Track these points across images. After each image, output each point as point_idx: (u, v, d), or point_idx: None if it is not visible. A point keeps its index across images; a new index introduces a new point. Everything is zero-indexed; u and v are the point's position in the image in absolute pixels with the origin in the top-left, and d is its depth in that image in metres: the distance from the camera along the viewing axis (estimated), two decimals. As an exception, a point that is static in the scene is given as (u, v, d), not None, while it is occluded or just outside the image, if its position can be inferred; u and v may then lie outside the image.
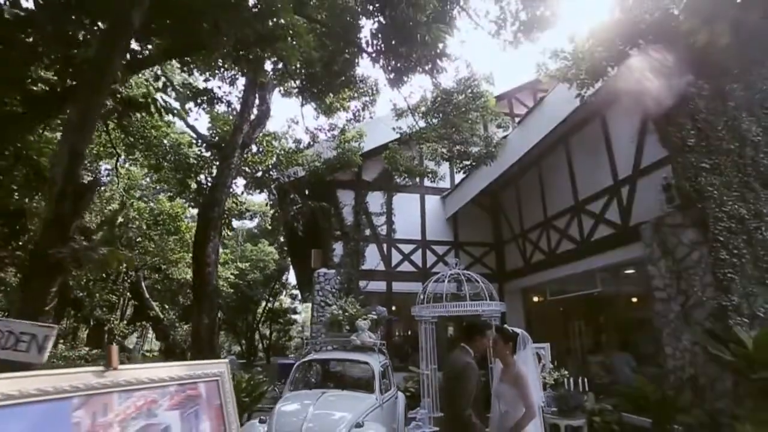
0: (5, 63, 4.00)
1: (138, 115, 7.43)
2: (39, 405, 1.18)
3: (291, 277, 26.62)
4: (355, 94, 7.65)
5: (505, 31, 5.20)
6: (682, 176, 5.81)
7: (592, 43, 5.01)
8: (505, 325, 3.38)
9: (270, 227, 19.23)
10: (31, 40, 4.16)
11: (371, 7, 7.03)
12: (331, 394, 4.79)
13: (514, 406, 2.91)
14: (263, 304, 24.48)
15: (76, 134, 3.19)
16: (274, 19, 4.09)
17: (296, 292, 28.11)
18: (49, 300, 2.91)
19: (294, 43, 4.38)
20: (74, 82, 4.38)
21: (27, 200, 5.60)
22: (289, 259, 21.81)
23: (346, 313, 7.68)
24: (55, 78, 4.52)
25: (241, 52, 4.70)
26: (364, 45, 7.40)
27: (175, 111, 6.16)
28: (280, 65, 7.06)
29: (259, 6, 4.05)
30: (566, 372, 6.63)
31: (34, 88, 4.41)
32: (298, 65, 4.78)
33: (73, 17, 4.08)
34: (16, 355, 1.69)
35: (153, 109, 5.39)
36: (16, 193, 5.41)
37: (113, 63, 3.53)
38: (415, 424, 7.59)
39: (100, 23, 4.24)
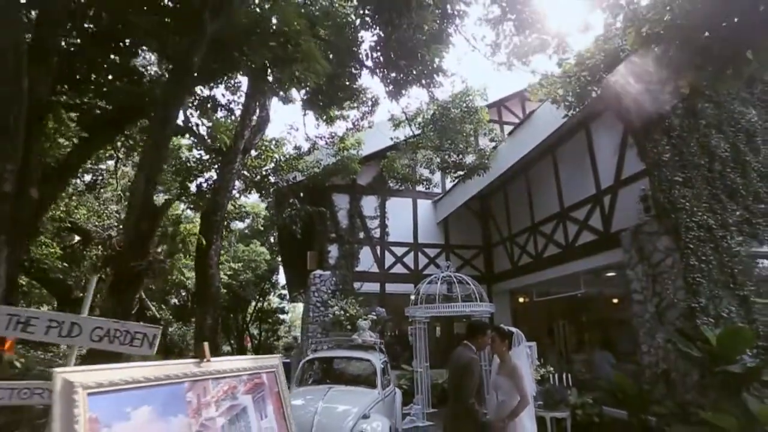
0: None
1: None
2: (163, 387, 1.54)
3: (280, 278, 26.74)
4: (355, 105, 8.01)
5: (499, 53, 5.64)
6: (657, 188, 6.34)
7: (579, 68, 5.49)
8: (501, 325, 3.80)
9: (262, 228, 19.36)
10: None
11: (370, 20, 7.40)
12: (337, 390, 5.14)
13: (511, 395, 3.33)
14: (253, 304, 24.57)
15: (151, 165, 3.56)
16: (292, 44, 4.42)
17: (284, 292, 28.22)
18: (134, 305, 3.24)
19: (309, 64, 4.73)
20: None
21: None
22: (280, 259, 21.99)
23: (347, 314, 8.02)
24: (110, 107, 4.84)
25: (266, 72, 5.03)
26: (363, 58, 7.76)
27: (191, 125, 6.41)
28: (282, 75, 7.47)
29: (277, 31, 4.38)
30: (551, 368, 7.11)
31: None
32: (297, 75, 5.11)
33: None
34: (132, 349, 2.04)
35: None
36: None
37: (179, 100, 3.87)
38: (410, 419, 8.01)
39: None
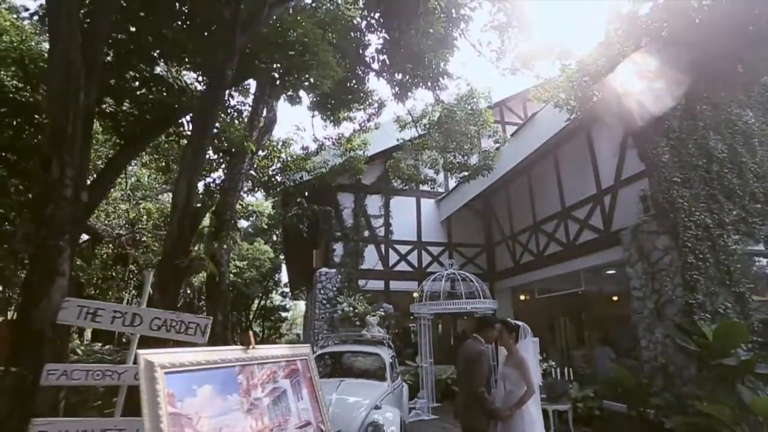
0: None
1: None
2: (219, 370, 1.75)
3: (282, 276, 26.99)
4: (362, 107, 8.20)
5: (504, 58, 5.83)
6: (656, 188, 6.54)
7: (581, 73, 5.68)
8: (508, 319, 4.01)
9: (266, 226, 19.54)
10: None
11: (376, 23, 7.58)
12: (349, 382, 5.34)
13: (518, 385, 3.54)
14: (256, 301, 24.83)
15: (191, 170, 3.84)
16: (309, 53, 4.63)
17: (286, 290, 28.47)
18: (178, 298, 3.47)
19: (324, 71, 4.94)
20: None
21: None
22: (283, 257, 22.20)
23: (356, 310, 8.23)
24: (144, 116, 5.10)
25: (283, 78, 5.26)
26: (370, 61, 7.95)
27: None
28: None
29: (296, 40, 4.59)
30: (553, 363, 7.33)
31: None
32: (312, 81, 5.32)
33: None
34: (187, 337, 2.25)
35: None
36: None
37: (215, 110, 4.13)
38: (415, 413, 8.22)
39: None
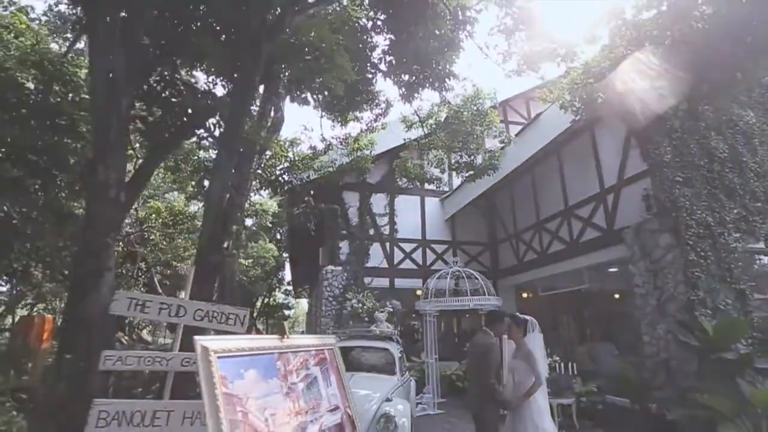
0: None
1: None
2: (261, 356, 1.91)
3: (285, 274, 27.15)
4: (370, 107, 8.34)
5: (510, 61, 5.97)
6: (659, 188, 6.67)
7: (585, 76, 5.82)
8: (517, 313, 4.16)
9: (270, 225, 19.69)
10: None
11: (382, 24, 7.70)
12: (360, 376, 5.50)
13: (526, 377, 3.69)
14: (260, 299, 25.04)
15: (224, 172, 4.06)
16: (326, 57, 4.79)
17: (289, 288, 28.65)
18: (213, 292, 3.67)
19: (339, 75, 5.09)
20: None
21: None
22: (286, 255, 22.37)
23: (365, 306, 8.40)
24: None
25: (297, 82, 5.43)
26: (377, 62, 8.09)
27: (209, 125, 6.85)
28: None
29: (313, 44, 4.75)
30: (557, 358, 7.48)
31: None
32: (327, 84, 5.48)
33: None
34: (227, 327, 2.42)
35: None
36: None
37: (244, 115, 4.33)
38: (421, 407, 8.39)
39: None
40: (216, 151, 11.02)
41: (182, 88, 5.12)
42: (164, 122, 5.28)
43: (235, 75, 4.74)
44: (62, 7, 11.84)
